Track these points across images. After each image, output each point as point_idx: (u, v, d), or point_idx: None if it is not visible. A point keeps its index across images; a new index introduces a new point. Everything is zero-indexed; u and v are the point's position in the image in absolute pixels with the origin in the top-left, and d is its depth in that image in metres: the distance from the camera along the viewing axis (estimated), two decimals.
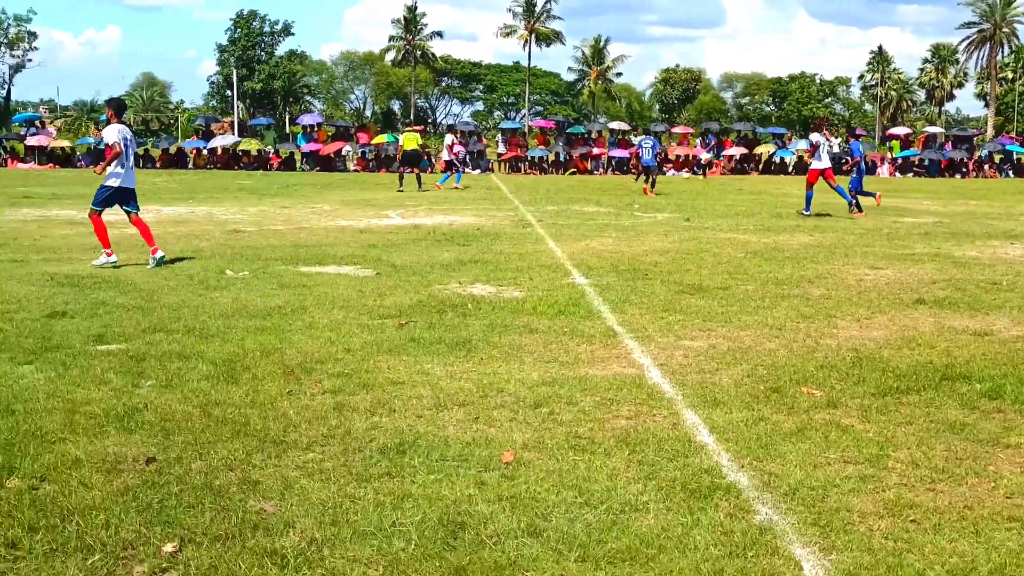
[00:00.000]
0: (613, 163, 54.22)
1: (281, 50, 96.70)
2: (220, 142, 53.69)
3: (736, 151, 56.40)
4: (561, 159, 53.49)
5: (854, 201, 24.03)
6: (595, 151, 54.52)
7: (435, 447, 5.80)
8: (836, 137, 59.07)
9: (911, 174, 55.06)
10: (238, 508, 4.83)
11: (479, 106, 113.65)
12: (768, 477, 5.43)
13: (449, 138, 39.89)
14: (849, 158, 25.13)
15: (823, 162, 23.84)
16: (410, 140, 34.56)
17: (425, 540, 4.50)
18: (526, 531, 4.63)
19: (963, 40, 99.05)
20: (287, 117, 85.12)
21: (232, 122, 67.39)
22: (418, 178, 33.78)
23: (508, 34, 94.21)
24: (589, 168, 53.22)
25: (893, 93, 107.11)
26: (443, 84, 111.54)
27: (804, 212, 23.64)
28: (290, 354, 8.08)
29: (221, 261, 13.78)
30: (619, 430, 6.24)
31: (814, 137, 24.52)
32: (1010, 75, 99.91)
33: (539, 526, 4.69)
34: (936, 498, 5.17)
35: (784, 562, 4.37)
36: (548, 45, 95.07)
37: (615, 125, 61.19)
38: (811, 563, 4.37)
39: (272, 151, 54.47)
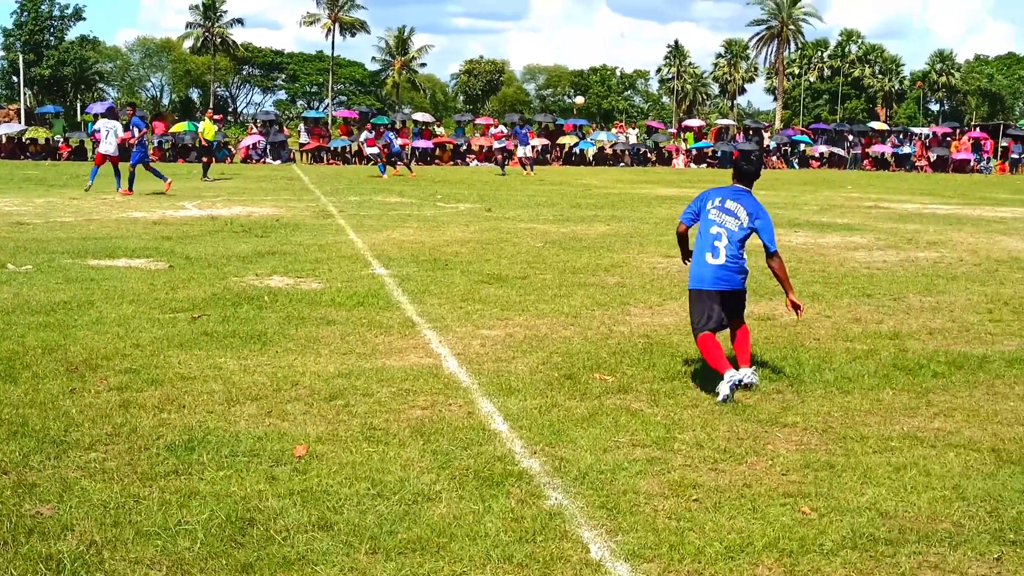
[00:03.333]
0: (416, 154, 54.14)
1: (72, 35, 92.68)
2: (4, 130, 51.18)
3: (537, 142, 57.17)
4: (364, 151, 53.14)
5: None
6: (399, 142, 54.34)
7: (225, 443, 5.68)
8: (633, 128, 60.36)
9: (704, 165, 56.94)
10: (11, 512, 4.61)
11: (282, 95, 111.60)
12: (559, 463, 5.53)
13: (364, 134, 39.90)
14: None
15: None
16: (209, 129, 33.83)
17: (212, 538, 4.40)
18: (317, 525, 4.58)
19: (753, 36, 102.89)
20: (79, 105, 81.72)
21: (18, 109, 64.24)
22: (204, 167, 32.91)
23: (311, 23, 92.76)
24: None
25: (689, 86, 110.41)
26: (244, 72, 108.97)
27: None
28: (74, 351, 7.76)
29: (2, 255, 13.12)
30: (414, 420, 6.24)
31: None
32: (796, 70, 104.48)
33: (330, 519, 4.65)
34: (718, 477, 5.37)
35: (572, 545, 4.46)
36: (352, 34, 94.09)
37: (419, 116, 61.03)
38: (598, 545, 4.47)
39: (62, 140, 52.19)
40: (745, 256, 7.52)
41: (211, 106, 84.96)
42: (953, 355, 8.34)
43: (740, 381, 6.95)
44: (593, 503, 4.95)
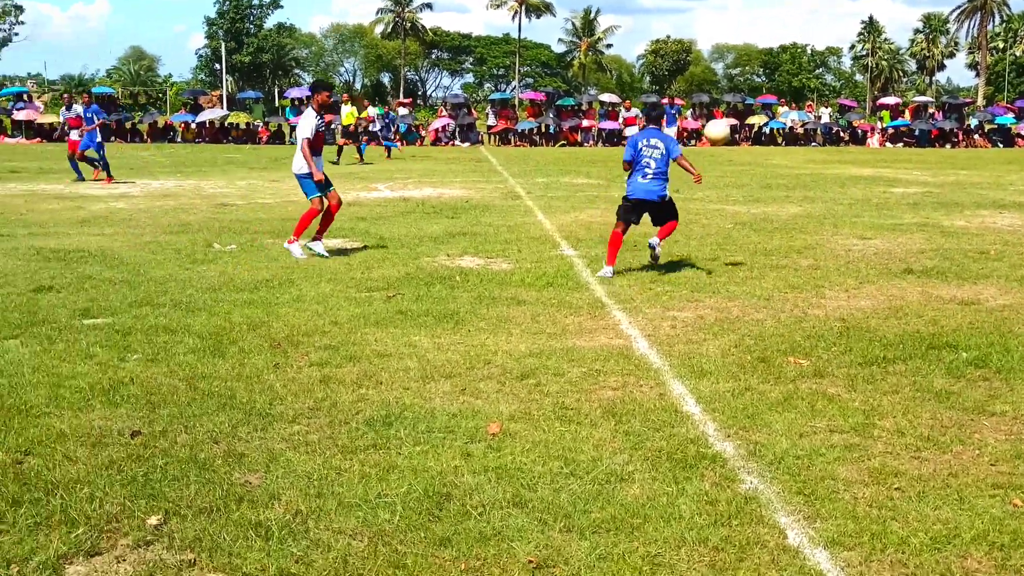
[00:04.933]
0: (603, 135, 54.09)
1: (270, 23, 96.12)
2: (208, 115, 53.39)
3: (726, 122, 56.32)
4: (551, 131, 53.34)
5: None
6: (585, 123, 54.33)
7: (421, 419, 5.80)
8: (825, 107, 58.79)
9: (901, 144, 55.00)
10: (223, 481, 4.82)
11: (469, 78, 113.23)
12: (754, 446, 5.44)
13: (372, 110, 39.70)
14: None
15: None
16: (349, 115, 34.22)
17: (410, 511, 4.50)
18: (511, 502, 4.63)
19: (954, 9, 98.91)
20: (276, 90, 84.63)
21: (221, 95, 67.00)
22: (359, 151, 33.16)
23: (498, 5, 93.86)
24: (579, 140, 53.05)
25: (884, 63, 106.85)
26: (433, 56, 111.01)
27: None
28: (277, 327, 8.06)
29: (208, 235, 13.73)
30: (605, 401, 6.24)
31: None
32: (1001, 44, 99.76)
33: (524, 496, 4.69)
34: (921, 466, 5.19)
35: (768, 530, 4.38)
36: (538, 16, 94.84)
37: (605, 97, 60.86)
38: (795, 531, 4.38)
39: (261, 124, 54.20)
40: (668, 176, 11.01)
41: (400, 90, 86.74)
42: None
43: (652, 244, 10.99)
44: (790, 488, 4.86)
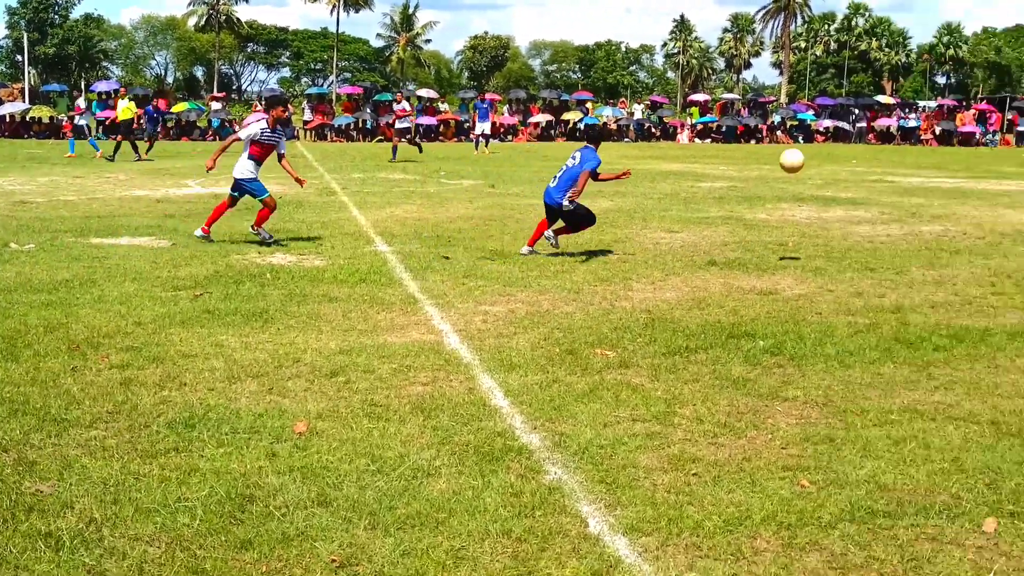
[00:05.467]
0: (421, 130, 54.08)
1: (77, 13, 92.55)
2: (8, 109, 51.11)
3: (542, 118, 57.05)
4: (368, 126, 53.03)
5: None
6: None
7: (225, 420, 5.69)
8: (638, 104, 60.10)
9: (709, 140, 56.80)
10: (11, 490, 4.62)
11: (286, 72, 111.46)
12: (559, 438, 5.54)
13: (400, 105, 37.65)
14: None
15: None
16: (126, 110, 32.56)
17: (211, 515, 4.41)
18: (316, 501, 4.60)
19: (760, 10, 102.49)
20: (83, 84, 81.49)
21: (22, 88, 64.14)
22: (133, 147, 31.31)
23: None
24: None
25: (694, 61, 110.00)
26: (248, 50, 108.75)
27: None
28: (76, 329, 7.77)
29: (5, 234, 13.13)
30: (415, 396, 6.25)
31: None
32: (803, 44, 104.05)
33: (330, 495, 4.66)
34: (717, 451, 5.38)
35: (571, 520, 4.47)
36: (357, 11, 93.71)
37: (424, 92, 60.87)
38: (596, 519, 4.48)
39: (65, 119, 52.17)
40: (570, 189, 11.88)
41: (214, 85, 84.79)
42: (955, 328, 8.33)
43: (547, 235, 12.18)
44: (592, 478, 4.96)
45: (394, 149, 31.66)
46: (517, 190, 21.32)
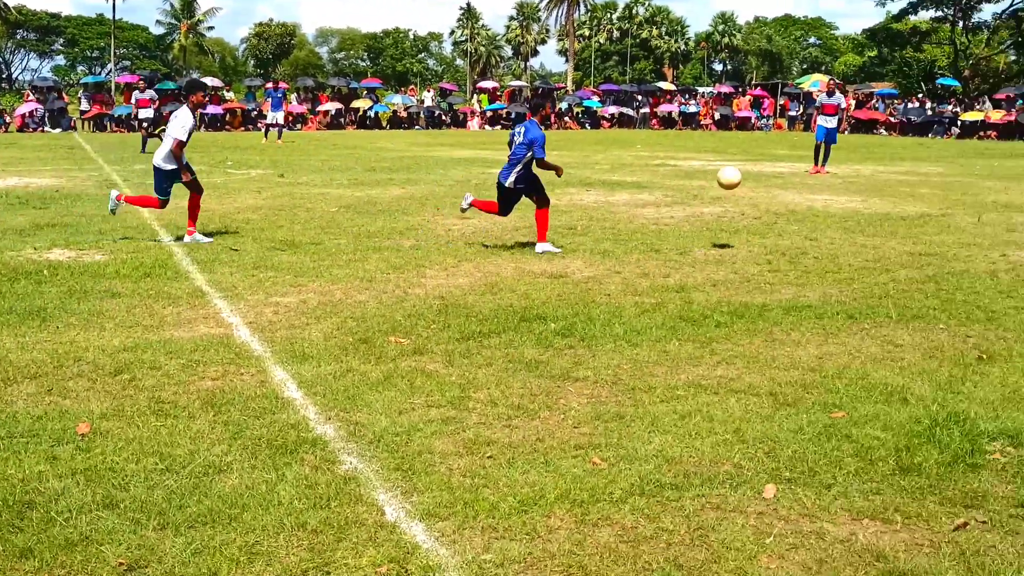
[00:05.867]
0: (206, 119, 52.67)
1: None
2: None
3: (332, 106, 56.45)
4: (152, 116, 51.30)
5: None
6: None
7: (2, 425, 5.41)
8: (428, 91, 59.81)
9: (499, 126, 57.37)
10: None
11: (60, 60, 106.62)
12: (354, 427, 5.50)
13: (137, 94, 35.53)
14: None
15: None
16: None
17: None
18: (102, 504, 4.43)
19: None
20: None
21: None
22: None
23: None
24: None
25: (482, 49, 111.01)
26: (18, 37, 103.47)
27: None
28: None
29: None
30: (204, 392, 6.10)
31: None
32: (587, 32, 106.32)
33: (116, 497, 4.49)
34: (512, 433, 5.45)
35: (367, 508, 4.45)
36: None
37: (208, 81, 59.28)
38: (393, 507, 4.47)
39: None
40: (520, 167, 11.52)
41: None
42: (735, 305, 8.69)
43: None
44: (388, 466, 4.95)
45: (144, 140, 30.58)
46: (307, 179, 21.04)
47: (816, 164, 24.59)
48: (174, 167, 11.98)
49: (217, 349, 7.06)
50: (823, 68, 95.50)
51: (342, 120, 55.73)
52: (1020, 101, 52.22)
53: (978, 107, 54.31)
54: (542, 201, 11.63)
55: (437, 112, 58.28)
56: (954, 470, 4.95)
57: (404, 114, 56.74)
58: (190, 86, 12.50)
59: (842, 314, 8.40)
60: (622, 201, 17.27)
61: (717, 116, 60.90)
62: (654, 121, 61.65)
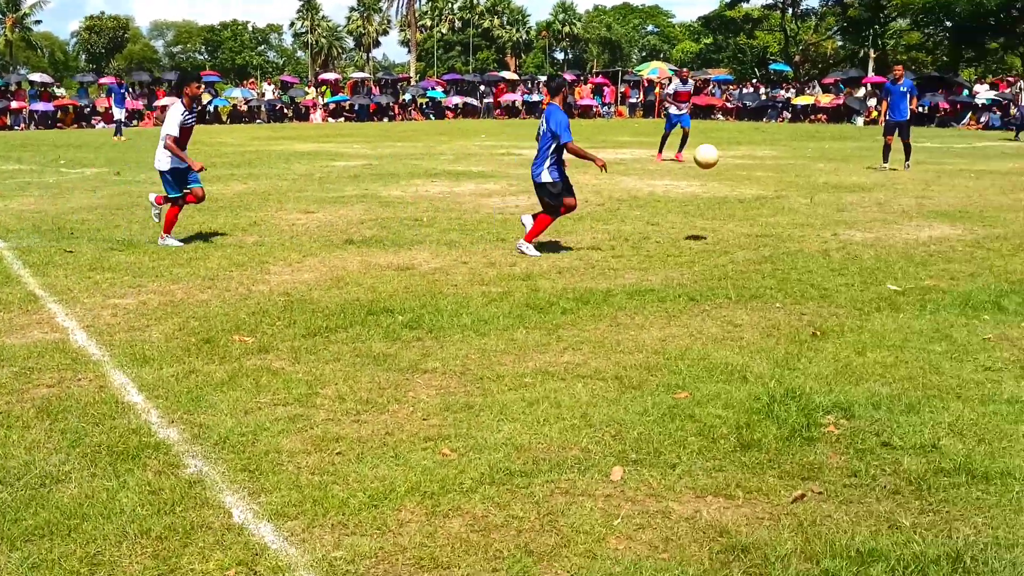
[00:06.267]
0: (36, 117, 50.83)
1: None
2: None
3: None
4: None
5: None
6: (14, 104, 50.74)
7: None
8: (269, 84, 58.72)
9: (342, 119, 56.81)
10: None
11: None
12: (199, 429, 5.39)
13: None
14: None
15: None
16: None
17: None
18: None
19: None
20: None
21: None
22: None
23: None
24: (8, 123, 49.45)
25: (324, 40, 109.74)
26: None
27: None
28: None
29: None
30: (40, 400, 5.89)
31: None
32: (429, 23, 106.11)
33: None
34: (360, 428, 5.42)
35: (214, 512, 4.37)
36: None
37: (36, 77, 57.09)
38: (240, 508, 4.40)
39: None
40: (548, 159, 10.62)
41: None
42: (580, 291, 8.80)
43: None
44: (235, 467, 4.87)
45: None
46: (144, 177, 20.44)
47: (677, 151, 24.37)
48: (170, 167, 11.44)
49: (52, 355, 6.82)
50: (661, 56, 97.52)
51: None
52: (843, 87, 54.24)
53: (808, 91, 56.17)
54: (551, 209, 10.85)
55: (279, 105, 57.41)
56: (792, 444, 5.13)
57: (244, 108, 55.71)
58: (181, 79, 12.00)
59: (684, 296, 8.59)
60: (468, 191, 17.31)
61: None
62: (498, 111, 61.93)
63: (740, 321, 7.77)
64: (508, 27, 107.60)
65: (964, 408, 5.67)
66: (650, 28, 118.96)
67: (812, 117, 52.27)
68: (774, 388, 5.99)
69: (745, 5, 77.44)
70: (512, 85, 65.50)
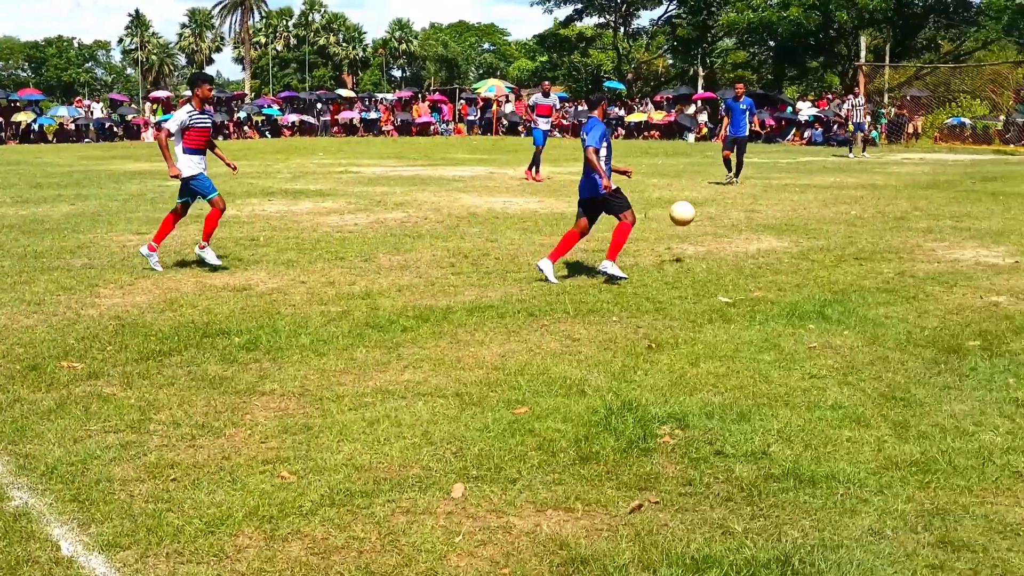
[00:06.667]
0: None
1: None
2: None
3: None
4: None
5: None
6: None
7: None
8: (97, 102, 57.26)
9: None
10: None
11: None
12: (24, 460, 5.19)
13: None
14: None
15: None
16: None
17: None
18: None
19: (217, 5, 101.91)
20: None
21: None
22: None
23: None
24: None
25: (155, 57, 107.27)
26: None
27: None
28: None
29: None
30: None
31: None
32: (263, 40, 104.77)
33: None
34: (196, 453, 5.30)
35: (40, 545, 4.21)
36: None
37: None
38: (69, 541, 4.25)
39: None
40: (589, 168, 10.12)
41: None
42: (420, 309, 8.80)
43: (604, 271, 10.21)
44: (63, 498, 4.70)
45: None
46: None
47: (535, 170, 23.55)
48: (195, 173, 11.07)
49: None
50: (498, 73, 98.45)
51: (2, 135, 52.38)
52: (674, 104, 55.63)
53: (641, 109, 57.41)
54: (582, 225, 10.57)
55: (108, 124, 55.77)
56: (629, 455, 5.23)
57: (72, 127, 53.93)
58: (192, 80, 11.37)
59: (523, 312, 8.68)
60: (305, 210, 17.11)
61: (398, 122, 61.42)
62: (336, 128, 61.45)
63: (578, 335, 7.89)
64: (344, 44, 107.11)
65: (792, 415, 5.88)
66: (486, 46, 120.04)
67: (646, 134, 53.43)
68: (611, 400, 6.10)
69: (579, 24, 78.79)
70: (349, 103, 65.11)
